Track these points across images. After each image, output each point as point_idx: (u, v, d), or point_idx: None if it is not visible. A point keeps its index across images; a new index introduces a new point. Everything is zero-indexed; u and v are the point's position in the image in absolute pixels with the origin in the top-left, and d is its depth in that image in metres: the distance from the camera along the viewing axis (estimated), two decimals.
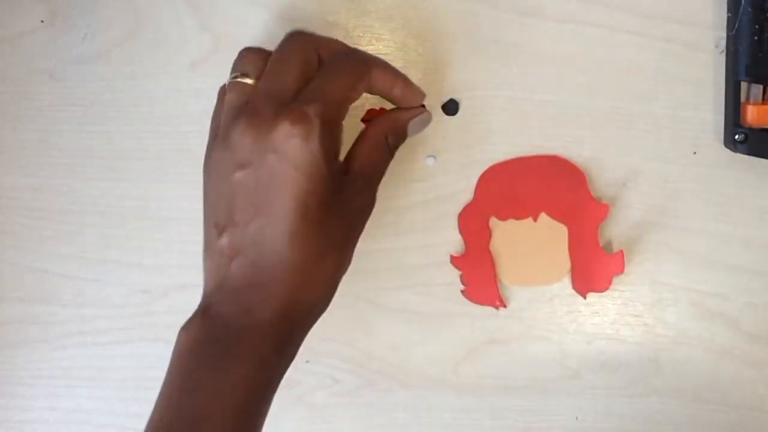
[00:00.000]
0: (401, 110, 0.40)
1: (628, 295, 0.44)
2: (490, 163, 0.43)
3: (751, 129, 0.40)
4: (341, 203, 0.35)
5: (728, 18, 0.41)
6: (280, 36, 0.37)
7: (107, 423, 0.47)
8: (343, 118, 0.36)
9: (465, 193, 0.44)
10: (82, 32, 0.45)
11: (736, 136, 0.41)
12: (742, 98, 0.41)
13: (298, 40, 0.36)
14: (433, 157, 0.44)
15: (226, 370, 0.33)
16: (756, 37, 0.39)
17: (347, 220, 0.36)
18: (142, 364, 0.46)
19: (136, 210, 0.45)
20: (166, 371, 0.34)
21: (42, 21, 0.45)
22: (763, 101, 0.40)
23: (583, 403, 0.45)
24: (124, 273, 0.46)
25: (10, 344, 0.47)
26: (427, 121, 0.41)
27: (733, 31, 0.40)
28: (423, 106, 0.40)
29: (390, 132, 0.39)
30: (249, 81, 0.36)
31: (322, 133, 0.33)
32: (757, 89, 0.40)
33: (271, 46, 0.37)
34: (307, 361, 0.45)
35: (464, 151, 0.44)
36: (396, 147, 0.39)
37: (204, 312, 0.34)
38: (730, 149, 0.42)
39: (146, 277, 0.46)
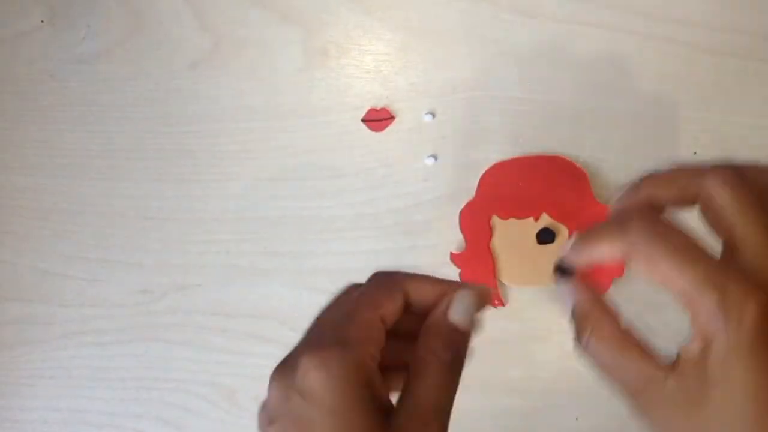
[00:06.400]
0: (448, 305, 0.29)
1: (628, 295, 0.44)
2: (490, 163, 0.43)
3: None
4: None
5: None
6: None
7: (107, 423, 0.47)
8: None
9: (465, 193, 0.44)
10: (82, 32, 0.45)
11: None
12: None
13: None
14: (433, 157, 0.44)
15: None
16: None
17: None
18: (142, 364, 0.46)
19: (136, 210, 0.45)
20: None
21: (42, 21, 0.45)
22: None
23: (583, 403, 0.45)
24: (124, 273, 0.46)
25: (10, 344, 0.47)
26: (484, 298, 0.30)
27: None
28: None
29: (446, 344, 0.28)
30: None
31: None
32: None
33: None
34: None
35: (464, 151, 0.44)
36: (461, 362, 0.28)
37: None
38: None
39: (146, 277, 0.46)
